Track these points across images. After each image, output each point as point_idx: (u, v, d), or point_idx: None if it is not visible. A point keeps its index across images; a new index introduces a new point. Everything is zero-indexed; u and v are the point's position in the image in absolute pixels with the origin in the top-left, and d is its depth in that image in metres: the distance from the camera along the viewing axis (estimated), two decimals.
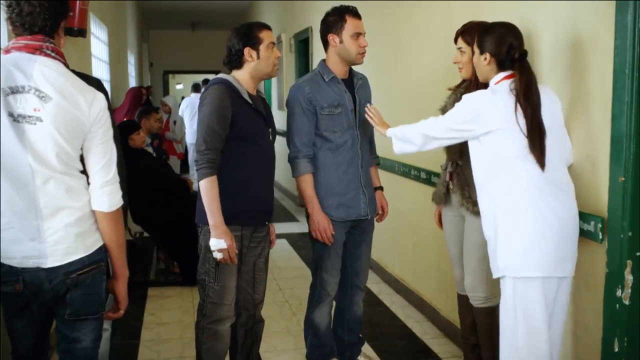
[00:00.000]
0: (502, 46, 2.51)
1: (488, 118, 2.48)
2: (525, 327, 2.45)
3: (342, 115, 3.10)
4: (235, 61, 2.88)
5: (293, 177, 3.15)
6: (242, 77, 2.88)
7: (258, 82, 2.95)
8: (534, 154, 2.43)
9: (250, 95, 2.87)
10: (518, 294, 2.45)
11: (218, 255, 2.76)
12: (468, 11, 3.46)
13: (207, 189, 2.73)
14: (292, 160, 3.12)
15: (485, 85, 2.75)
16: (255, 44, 2.84)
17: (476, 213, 2.82)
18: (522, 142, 2.44)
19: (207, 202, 2.74)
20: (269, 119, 2.98)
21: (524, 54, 2.50)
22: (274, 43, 2.90)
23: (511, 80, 2.51)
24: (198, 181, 2.76)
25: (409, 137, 2.78)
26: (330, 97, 3.09)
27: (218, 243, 2.74)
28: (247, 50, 2.84)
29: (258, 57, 2.85)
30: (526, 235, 2.44)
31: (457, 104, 2.62)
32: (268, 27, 2.91)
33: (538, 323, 2.45)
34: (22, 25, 2.00)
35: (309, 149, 3.10)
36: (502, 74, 2.54)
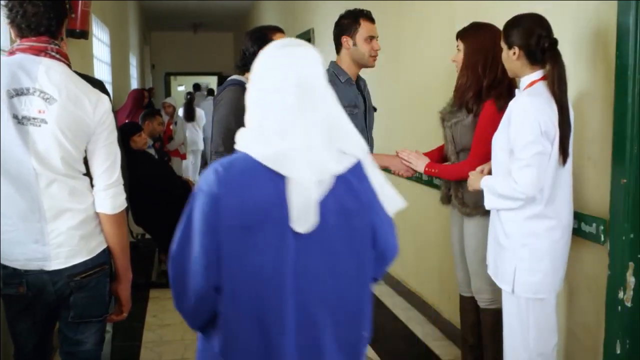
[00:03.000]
0: (531, 37, 2.38)
1: (549, 124, 2.32)
2: (536, 332, 2.44)
3: (358, 116, 3.12)
4: (249, 64, 2.90)
5: None
6: None
7: None
8: (560, 146, 2.34)
9: None
10: (531, 309, 2.44)
11: None
12: (469, 11, 3.46)
13: None
14: None
15: (476, 84, 2.77)
16: None
17: (466, 214, 2.88)
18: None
19: None
20: None
21: (554, 42, 2.38)
22: None
23: (545, 81, 2.40)
24: None
25: (509, 195, 2.41)
26: (348, 97, 3.10)
27: None
28: None
29: None
30: (547, 260, 2.41)
31: (509, 134, 2.38)
32: (281, 31, 2.94)
33: (550, 330, 2.45)
34: (27, 26, 1.99)
35: None
36: (535, 75, 2.42)
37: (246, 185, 1.51)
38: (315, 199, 1.49)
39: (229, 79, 2.92)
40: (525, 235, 2.42)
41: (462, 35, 2.88)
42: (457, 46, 2.88)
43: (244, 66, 2.92)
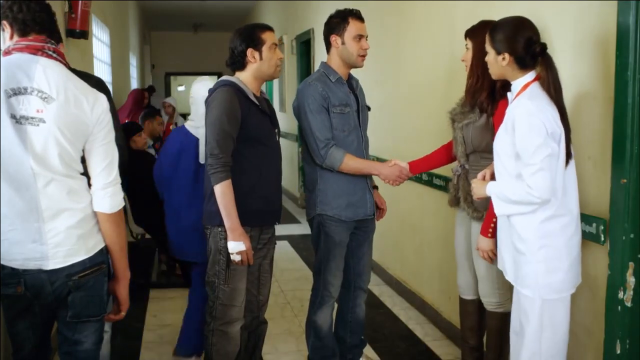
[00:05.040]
0: (519, 42, 2.36)
1: (554, 124, 2.32)
2: (550, 333, 2.42)
3: (350, 115, 3.11)
4: (238, 62, 2.90)
5: (336, 171, 3.06)
6: (245, 79, 2.90)
7: (261, 83, 2.97)
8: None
9: (255, 96, 2.89)
10: (546, 310, 2.40)
11: (236, 258, 2.78)
12: (469, 11, 3.46)
13: (224, 193, 2.75)
14: (324, 155, 3.03)
15: (489, 84, 2.75)
16: (257, 45, 2.86)
17: (477, 219, 2.84)
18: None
19: (224, 205, 2.75)
20: (274, 119, 3.01)
21: (544, 47, 2.36)
22: (276, 44, 2.92)
23: (538, 82, 2.39)
24: (213, 185, 2.76)
25: (524, 200, 2.36)
26: (339, 96, 3.10)
27: (237, 246, 2.76)
28: (249, 52, 2.86)
29: (261, 58, 2.87)
30: (565, 257, 2.39)
31: (515, 139, 2.35)
32: (270, 29, 2.93)
33: (563, 330, 2.43)
34: (26, 24, 1.99)
35: (332, 140, 3.06)
36: (528, 77, 2.41)
37: None
38: None
39: (220, 79, 2.92)
40: (542, 237, 2.37)
41: (470, 33, 2.84)
42: (466, 45, 2.85)
43: (233, 64, 2.92)
